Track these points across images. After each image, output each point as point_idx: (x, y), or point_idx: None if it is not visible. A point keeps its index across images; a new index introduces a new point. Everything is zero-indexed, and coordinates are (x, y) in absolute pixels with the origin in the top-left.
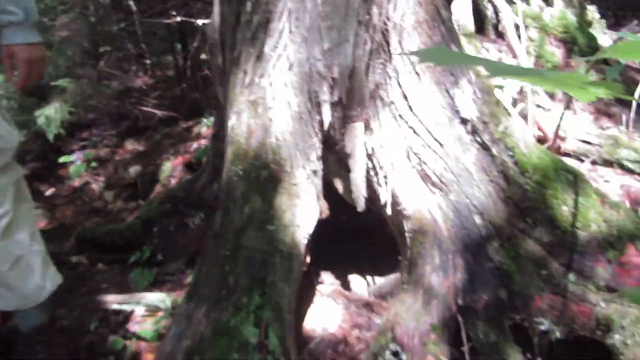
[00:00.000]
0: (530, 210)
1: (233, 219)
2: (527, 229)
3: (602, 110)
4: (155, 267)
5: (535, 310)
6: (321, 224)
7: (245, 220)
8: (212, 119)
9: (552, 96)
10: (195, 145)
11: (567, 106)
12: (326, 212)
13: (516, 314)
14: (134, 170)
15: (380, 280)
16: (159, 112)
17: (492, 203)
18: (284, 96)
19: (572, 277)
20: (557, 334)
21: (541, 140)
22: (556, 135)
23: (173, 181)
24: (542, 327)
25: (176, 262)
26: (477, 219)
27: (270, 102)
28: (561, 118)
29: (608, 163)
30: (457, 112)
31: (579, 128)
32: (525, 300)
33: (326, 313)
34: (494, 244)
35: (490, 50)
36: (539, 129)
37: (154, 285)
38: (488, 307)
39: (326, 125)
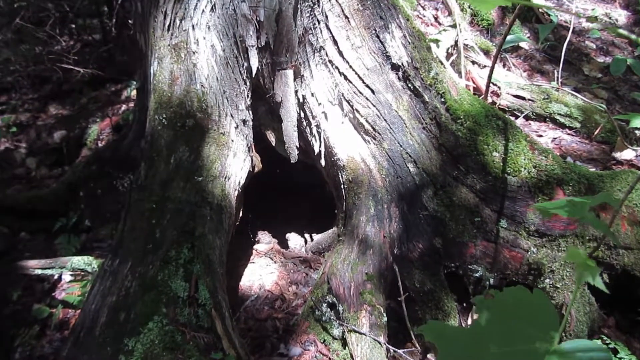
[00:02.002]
0: (463, 157)
1: (158, 170)
2: (460, 176)
3: (535, 68)
4: (82, 234)
5: (470, 257)
6: (257, 181)
7: (172, 171)
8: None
9: (487, 53)
10: (123, 107)
11: (503, 64)
12: (259, 167)
13: (451, 261)
14: (58, 135)
15: (317, 237)
16: (85, 74)
17: (426, 151)
18: (208, 40)
19: (503, 223)
20: (491, 281)
21: (476, 95)
22: (487, 86)
23: (100, 145)
24: (476, 274)
25: (105, 228)
26: (411, 167)
27: (194, 46)
28: (492, 70)
29: (541, 118)
30: (388, 57)
31: (513, 84)
32: (459, 247)
33: (263, 271)
34: (428, 192)
35: (427, 8)
36: (474, 83)
37: (82, 252)
38: (423, 256)
39: (254, 71)
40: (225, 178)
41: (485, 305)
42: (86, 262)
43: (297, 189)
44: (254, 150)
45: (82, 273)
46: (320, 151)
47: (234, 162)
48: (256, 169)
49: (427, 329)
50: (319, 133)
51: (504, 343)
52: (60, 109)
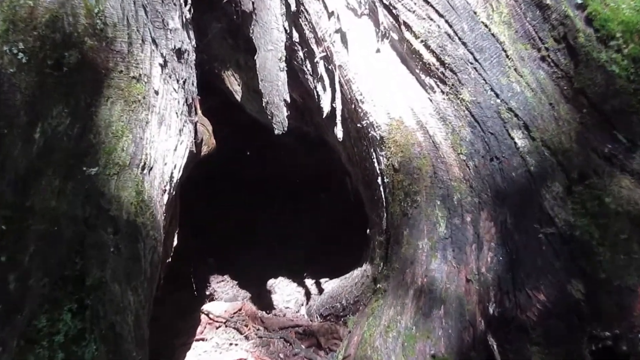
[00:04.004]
0: (622, 116)
1: (10, 155)
2: (617, 155)
3: None
4: None
5: None
6: (207, 172)
7: (36, 157)
8: None
9: None
10: None
11: None
12: (211, 143)
13: (604, 327)
14: None
15: (331, 284)
16: None
17: (548, 104)
18: None
19: None
20: None
21: None
22: None
23: None
24: None
25: None
26: (519, 139)
27: None
28: None
29: None
30: None
31: None
32: (620, 298)
33: (223, 358)
34: (555, 187)
35: None
36: None
37: None
38: (549, 317)
39: None
40: (144, 168)
41: None
42: None
43: (287, 188)
44: (199, 112)
45: None
46: (333, 109)
47: (160, 137)
48: (205, 148)
49: None
50: (330, 73)
51: None
52: None
